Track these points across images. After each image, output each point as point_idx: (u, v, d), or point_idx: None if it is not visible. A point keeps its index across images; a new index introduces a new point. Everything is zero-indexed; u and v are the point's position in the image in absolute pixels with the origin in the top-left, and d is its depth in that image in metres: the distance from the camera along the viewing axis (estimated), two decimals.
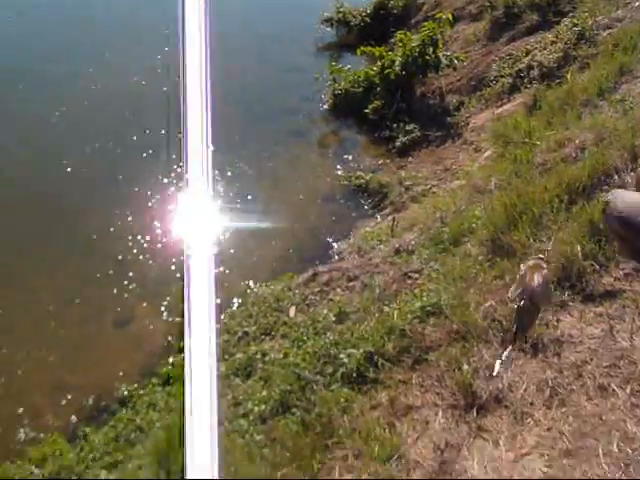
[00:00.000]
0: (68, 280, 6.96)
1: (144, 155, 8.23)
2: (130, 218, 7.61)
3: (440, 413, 3.67)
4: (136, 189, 7.96)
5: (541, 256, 3.89)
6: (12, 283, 6.85)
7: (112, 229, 7.50)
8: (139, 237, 7.37)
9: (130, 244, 7.28)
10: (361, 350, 4.32)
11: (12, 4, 13.07)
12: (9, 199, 8.00)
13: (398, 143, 9.28)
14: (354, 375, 4.24)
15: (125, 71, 10.42)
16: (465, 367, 3.82)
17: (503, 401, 3.61)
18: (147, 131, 8.73)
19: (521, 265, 3.93)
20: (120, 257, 7.14)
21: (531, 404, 3.54)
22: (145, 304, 6.70)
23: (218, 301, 5.79)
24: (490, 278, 4.49)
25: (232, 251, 7.35)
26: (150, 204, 7.74)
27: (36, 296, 6.72)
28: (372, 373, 4.16)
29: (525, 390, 3.63)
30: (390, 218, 7.38)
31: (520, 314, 3.75)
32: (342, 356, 4.39)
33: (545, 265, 3.75)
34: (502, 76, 9.52)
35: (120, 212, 7.66)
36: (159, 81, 9.08)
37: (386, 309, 4.76)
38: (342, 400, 4.06)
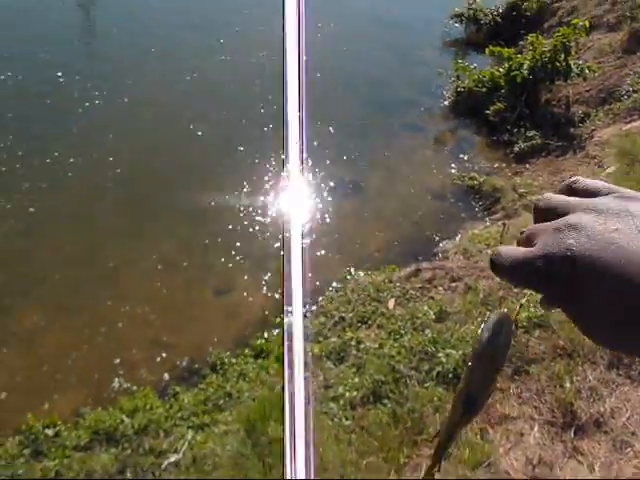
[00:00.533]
0: (179, 243, 7.17)
1: (265, 129, 8.36)
2: (247, 189, 7.78)
3: (536, 427, 3.60)
4: (256, 161, 8.12)
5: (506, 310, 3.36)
6: (128, 240, 7.10)
7: (227, 197, 7.69)
8: (251, 209, 7.51)
9: (242, 215, 7.43)
10: (460, 352, 4.28)
11: None
12: (134, 154, 8.32)
13: (516, 148, 9.07)
14: (450, 376, 4.21)
15: (253, 46, 10.61)
16: (567, 385, 3.73)
17: (603, 426, 3.50)
18: (275, 106, 8.85)
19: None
20: (230, 227, 7.30)
21: (632, 434, 3.42)
22: (247, 276, 6.82)
23: (317, 283, 5.81)
24: None
25: (336, 236, 7.40)
26: (267, 177, 7.88)
27: (146, 255, 6.94)
28: None
29: (628, 419, 3.51)
30: (500, 223, 7.24)
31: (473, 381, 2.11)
32: (440, 355, 4.36)
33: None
34: (635, 91, 9.16)
35: (238, 182, 7.85)
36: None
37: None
38: (436, 399, 4.04)
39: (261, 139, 8.12)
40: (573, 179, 0.70)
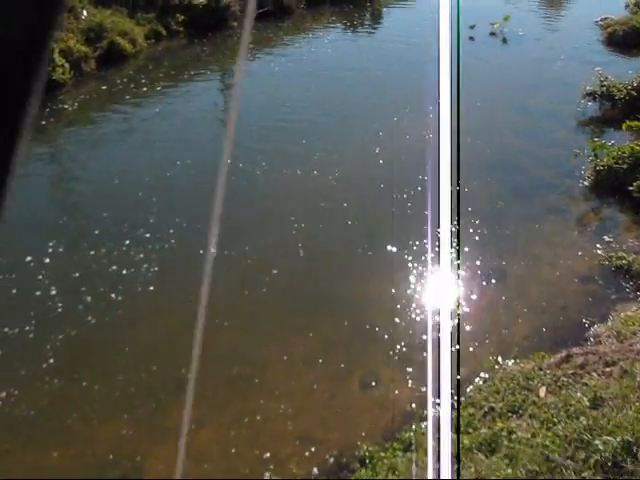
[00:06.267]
0: (325, 336, 7.31)
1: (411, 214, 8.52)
2: (394, 291, 7.90)
3: None
4: (406, 253, 8.35)
5: None
6: (275, 336, 7.31)
7: (374, 288, 7.89)
8: (399, 301, 7.64)
9: (389, 307, 7.55)
10: (618, 439, 4.08)
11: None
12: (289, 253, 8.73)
13: None
14: (609, 464, 4.01)
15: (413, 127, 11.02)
16: None
17: None
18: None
19: None
20: (375, 319, 7.40)
21: None
22: (393, 369, 6.83)
23: (464, 373, 5.73)
24: None
25: (480, 325, 7.30)
26: (416, 267, 8.07)
27: (293, 350, 7.11)
28: (630, 464, 3.90)
29: None
30: None
31: None
32: (597, 442, 4.18)
33: None
34: None
35: (385, 277, 8.06)
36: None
37: None
38: None
39: (407, 230, 8.30)
40: None
